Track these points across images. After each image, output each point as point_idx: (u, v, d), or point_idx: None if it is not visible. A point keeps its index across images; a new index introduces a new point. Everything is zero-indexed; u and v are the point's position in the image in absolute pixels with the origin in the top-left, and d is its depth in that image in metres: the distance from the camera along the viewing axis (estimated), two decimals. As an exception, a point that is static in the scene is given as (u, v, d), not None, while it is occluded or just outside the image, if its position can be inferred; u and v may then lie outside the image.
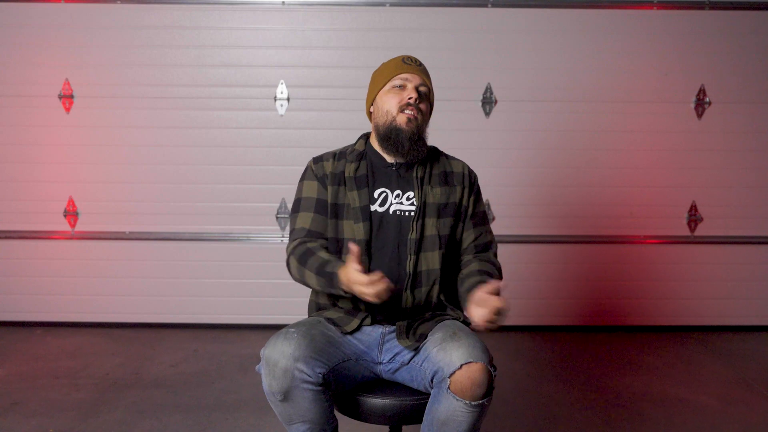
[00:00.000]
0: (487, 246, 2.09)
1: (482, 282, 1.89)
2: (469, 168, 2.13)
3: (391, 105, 1.99)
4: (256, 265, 4.00)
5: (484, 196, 3.83)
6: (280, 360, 1.73)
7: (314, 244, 1.98)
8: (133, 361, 3.53)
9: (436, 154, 2.12)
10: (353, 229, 1.99)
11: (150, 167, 3.94)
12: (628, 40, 3.88)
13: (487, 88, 3.91)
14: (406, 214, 2.00)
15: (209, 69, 3.89)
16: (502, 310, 1.72)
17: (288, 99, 3.90)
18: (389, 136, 1.99)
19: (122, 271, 4.01)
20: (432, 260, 2.00)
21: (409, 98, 1.97)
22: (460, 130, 3.91)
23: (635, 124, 3.96)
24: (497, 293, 1.76)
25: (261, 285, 4.01)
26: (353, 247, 1.77)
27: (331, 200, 2.02)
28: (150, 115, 3.91)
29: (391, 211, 2.00)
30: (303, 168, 2.12)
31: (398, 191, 2.02)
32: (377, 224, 1.99)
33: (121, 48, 3.86)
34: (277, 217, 3.97)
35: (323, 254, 1.93)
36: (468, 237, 2.08)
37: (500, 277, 2.00)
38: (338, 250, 2.01)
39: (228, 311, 4.05)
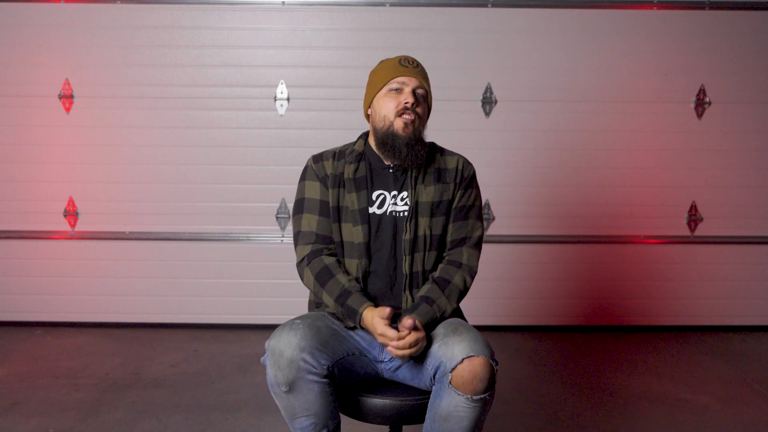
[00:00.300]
0: (461, 241, 2.04)
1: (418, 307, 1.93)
2: (464, 162, 2.08)
3: (389, 110, 1.97)
4: (256, 265, 3.98)
5: (484, 196, 3.86)
6: (286, 350, 1.73)
7: (330, 260, 1.98)
8: (133, 361, 3.51)
9: (432, 150, 2.08)
10: (352, 232, 1.98)
11: (150, 167, 3.92)
12: (628, 40, 3.86)
13: (487, 88, 3.88)
14: (400, 214, 2.00)
15: (209, 69, 3.87)
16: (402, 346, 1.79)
17: (288, 99, 3.87)
18: (386, 141, 1.97)
19: (122, 271, 3.98)
20: (427, 260, 2.00)
21: (406, 102, 1.94)
22: (460, 130, 3.88)
23: (635, 124, 3.93)
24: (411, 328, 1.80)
25: (261, 285, 3.99)
26: (387, 310, 1.81)
27: (333, 203, 2.01)
28: (150, 115, 3.88)
29: (387, 213, 2.00)
30: (303, 168, 2.11)
31: (395, 192, 2.01)
32: (375, 226, 1.99)
33: (121, 48, 3.83)
34: (277, 217, 3.94)
35: (342, 278, 1.94)
36: (449, 232, 2.05)
37: (459, 289, 1.98)
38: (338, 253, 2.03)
39: (228, 311, 4.02)
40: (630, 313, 4.09)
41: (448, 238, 2.04)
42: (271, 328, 3.75)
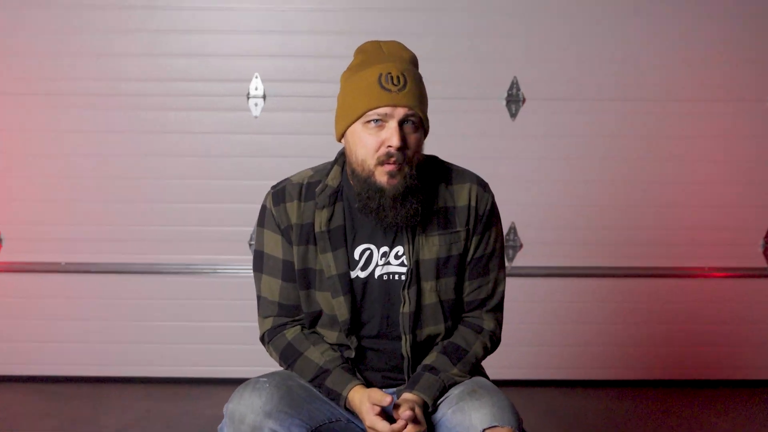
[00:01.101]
0: (482, 302, 1.85)
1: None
2: (477, 192, 1.83)
3: (366, 152, 1.69)
4: (225, 304, 3.76)
5: (509, 218, 3.70)
6: (248, 415, 1.63)
7: (294, 333, 1.84)
8: (70, 425, 3.32)
9: (435, 178, 1.83)
10: (332, 305, 1.80)
11: (91, 182, 3.71)
12: (694, 22, 3.64)
13: (512, 84, 3.68)
14: (395, 278, 1.80)
15: (165, 59, 3.67)
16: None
17: (264, 96, 3.69)
18: (367, 195, 1.72)
19: (58, 312, 3.77)
20: (432, 336, 1.84)
21: (389, 147, 1.67)
22: (477, 135, 3.68)
23: (701, 128, 3.72)
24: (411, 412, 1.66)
25: (230, 329, 3.76)
26: (386, 398, 1.65)
27: (300, 265, 1.81)
28: (91, 117, 3.68)
29: (376, 276, 1.81)
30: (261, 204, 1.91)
31: (385, 247, 1.80)
32: (360, 295, 1.81)
33: (53, 33, 3.63)
34: (250, 244, 3.68)
35: (313, 354, 1.80)
36: (464, 291, 1.86)
37: (478, 358, 1.83)
38: (312, 324, 1.87)
39: (189, 362, 3.83)
40: (691, 364, 3.88)
41: (465, 298, 1.86)
42: (242, 382, 3.55)
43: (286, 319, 1.85)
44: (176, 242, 3.76)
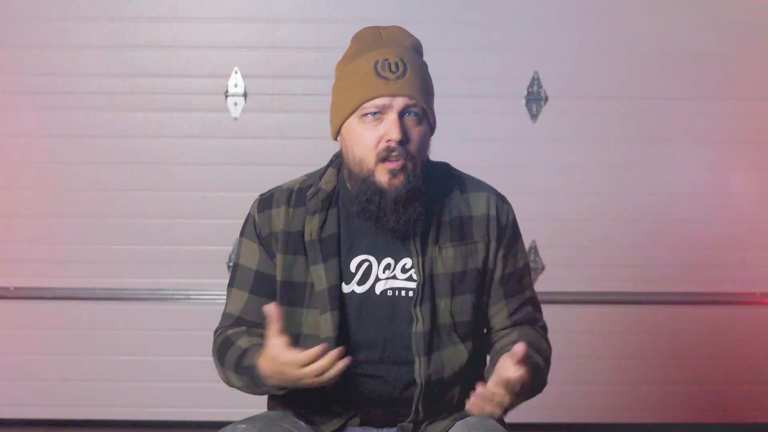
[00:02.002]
0: (531, 321, 1.87)
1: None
2: (497, 201, 1.87)
3: (365, 149, 1.71)
4: (199, 335, 3.33)
5: (529, 236, 3.47)
6: None
7: (234, 330, 1.84)
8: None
9: (448, 185, 1.87)
10: (318, 322, 1.77)
11: (45, 194, 3.61)
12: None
13: (533, 80, 3.61)
14: (402, 294, 1.79)
15: (130, 52, 3.59)
16: (509, 384, 1.59)
17: (245, 95, 3.63)
18: (365, 197, 1.74)
19: (6, 345, 3.66)
20: (452, 360, 1.80)
21: (388, 141, 1.70)
22: (492, 139, 3.61)
23: (755, 131, 3.60)
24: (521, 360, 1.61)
25: (206, 365, 3.45)
26: (270, 309, 1.61)
27: (283, 277, 1.79)
28: (44, 118, 3.60)
29: (378, 291, 1.79)
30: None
31: (389, 259, 1.80)
32: (356, 313, 1.78)
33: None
34: (228, 266, 3.60)
35: (243, 342, 1.79)
36: (498, 315, 1.85)
37: (544, 365, 1.82)
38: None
39: (158, 403, 3.72)
40: (744, 405, 3.75)
41: (507, 322, 1.85)
42: (220, 426, 3.43)
43: (236, 330, 1.83)
44: (143, 263, 3.67)
